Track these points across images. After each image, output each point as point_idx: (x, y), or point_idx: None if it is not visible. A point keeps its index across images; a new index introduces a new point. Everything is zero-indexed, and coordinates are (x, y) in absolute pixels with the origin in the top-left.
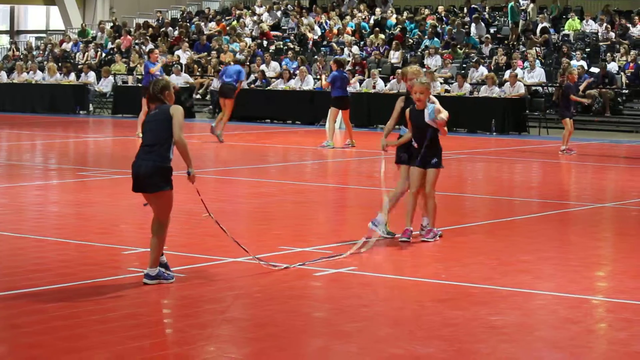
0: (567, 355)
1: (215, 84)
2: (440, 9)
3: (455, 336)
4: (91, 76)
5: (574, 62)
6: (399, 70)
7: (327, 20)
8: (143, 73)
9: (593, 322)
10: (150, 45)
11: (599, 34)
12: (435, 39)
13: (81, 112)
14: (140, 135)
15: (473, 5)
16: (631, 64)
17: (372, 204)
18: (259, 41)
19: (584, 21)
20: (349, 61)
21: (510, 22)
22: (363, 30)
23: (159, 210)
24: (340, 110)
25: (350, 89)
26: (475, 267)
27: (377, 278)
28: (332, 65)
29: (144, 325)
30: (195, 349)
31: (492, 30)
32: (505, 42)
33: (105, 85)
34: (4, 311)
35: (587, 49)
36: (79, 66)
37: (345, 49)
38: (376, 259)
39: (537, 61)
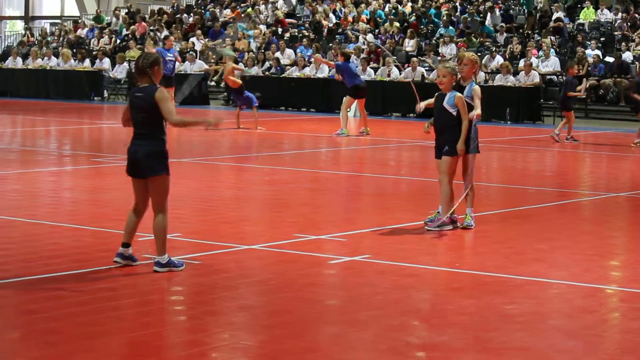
0: (581, 344)
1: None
2: None
3: (470, 325)
4: (106, 62)
5: (588, 52)
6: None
7: (342, 8)
8: None
9: (607, 311)
10: (166, 32)
11: (614, 23)
12: (450, 27)
13: (96, 98)
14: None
15: None
16: None
17: (386, 192)
18: (273, 28)
19: (599, 10)
20: (364, 49)
21: (525, 10)
22: (378, 18)
23: (156, 196)
24: (355, 100)
25: (365, 77)
26: (489, 255)
27: (391, 266)
28: (339, 58)
29: (159, 312)
30: (209, 336)
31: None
32: (520, 30)
33: (120, 72)
34: (19, 297)
35: (602, 39)
36: (94, 52)
37: (360, 37)
38: (390, 247)
39: (552, 50)
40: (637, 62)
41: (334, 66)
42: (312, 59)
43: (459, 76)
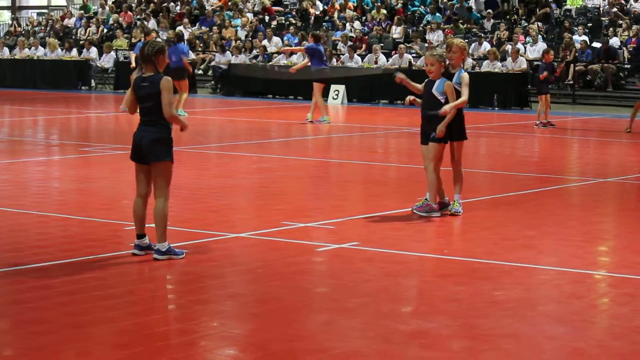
0: (570, 329)
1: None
2: None
3: (458, 311)
4: (93, 52)
5: (576, 37)
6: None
7: None
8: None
9: (596, 296)
10: (152, 22)
11: (601, 9)
12: (437, 14)
13: (83, 87)
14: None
15: None
16: (633, 39)
17: (374, 179)
18: (260, 16)
19: None
20: (352, 36)
21: None
22: (365, 6)
23: (158, 183)
24: (323, 84)
25: (351, 64)
26: (478, 242)
27: (380, 253)
28: (309, 39)
29: (147, 301)
30: (198, 324)
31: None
32: (507, 16)
33: (107, 61)
34: (7, 287)
35: (589, 24)
36: (81, 42)
37: (347, 24)
38: (379, 234)
39: (539, 36)
40: (624, 48)
41: (304, 50)
42: (281, 50)
43: (447, 63)
